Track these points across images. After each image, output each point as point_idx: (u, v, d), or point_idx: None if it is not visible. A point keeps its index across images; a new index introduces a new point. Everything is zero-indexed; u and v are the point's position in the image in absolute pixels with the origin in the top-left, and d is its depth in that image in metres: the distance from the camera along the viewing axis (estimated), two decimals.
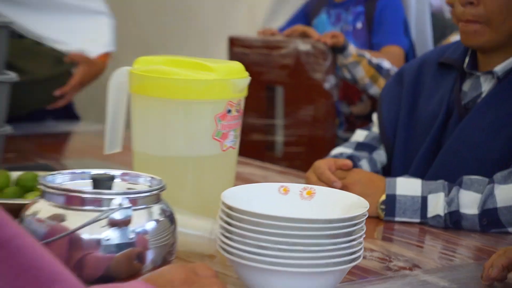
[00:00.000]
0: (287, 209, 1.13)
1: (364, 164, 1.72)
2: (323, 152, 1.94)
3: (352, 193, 1.17)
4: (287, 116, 2.45)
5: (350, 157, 1.68)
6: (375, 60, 2.43)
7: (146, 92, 1.27)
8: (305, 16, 2.80)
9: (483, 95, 1.62)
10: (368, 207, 1.09)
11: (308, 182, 1.55)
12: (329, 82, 2.36)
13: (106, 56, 2.36)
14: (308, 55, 2.38)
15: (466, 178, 1.49)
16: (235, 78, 1.27)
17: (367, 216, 1.08)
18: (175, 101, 1.26)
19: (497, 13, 1.53)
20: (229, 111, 1.27)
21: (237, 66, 1.30)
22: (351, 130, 2.60)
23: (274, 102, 2.49)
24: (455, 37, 2.36)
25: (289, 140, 2.47)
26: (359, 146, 1.77)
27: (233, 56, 2.59)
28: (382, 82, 2.42)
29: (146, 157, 1.30)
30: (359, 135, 1.81)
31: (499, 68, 1.60)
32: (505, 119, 1.55)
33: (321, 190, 1.16)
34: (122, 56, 2.82)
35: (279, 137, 2.51)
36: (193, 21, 3.66)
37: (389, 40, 2.57)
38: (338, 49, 2.37)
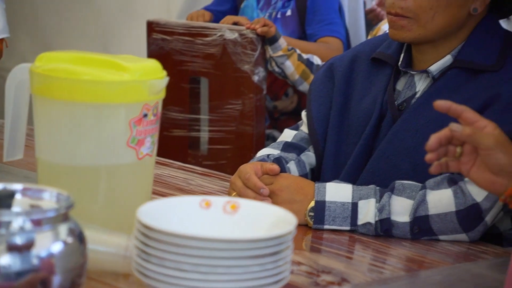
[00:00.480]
0: (209, 226, 1.07)
1: (292, 166, 1.65)
2: (252, 150, 1.87)
3: (279, 207, 1.11)
4: (212, 110, 2.34)
5: (277, 158, 1.63)
6: (305, 55, 2.34)
7: (50, 94, 1.16)
8: None
9: (418, 95, 1.58)
10: (295, 224, 1.03)
11: (233, 187, 1.47)
12: (258, 75, 2.26)
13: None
14: (236, 44, 2.27)
15: (399, 183, 1.45)
16: (152, 78, 1.17)
17: (295, 234, 1.02)
18: (84, 104, 1.14)
19: (426, 8, 1.50)
20: (145, 115, 1.17)
21: (154, 64, 1.19)
22: (275, 126, 2.52)
23: (198, 95, 2.38)
24: (386, 25, 2.31)
25: (214, 137, 2.35)
26: (287, 146, 1.71)
27: (151, 43, 2.46)
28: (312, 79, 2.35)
29: (52, 166, 1.18)
30: (287, 134, 1.75)
31: (434, 68, 1.56)
32: (439, 121, 1.50)
33: (245, 204, 1.09)
34: (17, 43, 2.66)
35: (204, 134, 2.39)
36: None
37: (325, 30, 2.49)
38: (268, 40, 2.27)
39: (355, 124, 1.65)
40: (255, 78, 2.26)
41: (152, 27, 2.46)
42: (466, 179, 1.40)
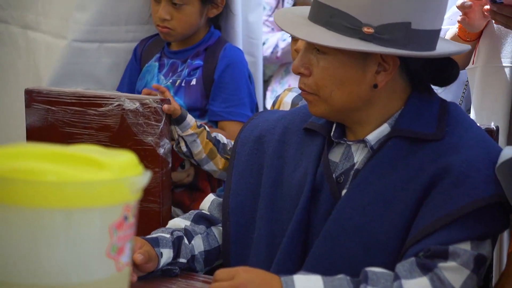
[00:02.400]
0: None
1: (198, 240, 1.63)
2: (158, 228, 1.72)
3: None
4: None
5: (185, 230, 1.62)
6: (212, 133, 2.21)
7: (6, 200, 0.96)
8: (136, 60, 2.52)
9: (357, 166, 1.53)
10: None
11: None
12: (164, 147, 2.10)
13: None
14: (137, 115, 2.11)
15: (371, 272, 1.39)
16: (132, 175, 1.00)
17: None
18: (52, 211, 0.96)
19: (323, 86, 1.49)
20: (126, 217, 1.00)
21: (130, 157, 1.04)
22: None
23: None
24: (288, 96, 2.25)
25: None
26: (198, 217, 1.68)
27: (31, 115, 2.23)
28: (218, 158, 2.21)
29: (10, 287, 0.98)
30: (207, 200, 1.73)
31: (371, 137, 1.52)
32: (386, 197, 1.45)
33: None
34: None
35: None
36: None
37: (229, 114, 2.37)
38: (175, 120, 2.12)
39: (288, 199, 1.59)
40: (161, 151, 2.10)
41: (31, 96, 2.24)
42: (440, 264, 1.36)
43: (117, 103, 2.13)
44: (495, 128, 1.66)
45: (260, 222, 1.59)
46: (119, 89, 2.50)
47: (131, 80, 2.50)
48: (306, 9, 1.55)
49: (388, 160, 1.48)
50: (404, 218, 1.42)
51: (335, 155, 1.56)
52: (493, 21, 1.93)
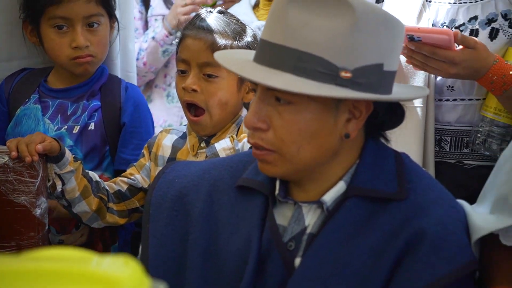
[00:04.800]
0: None
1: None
2: None
3: None
4: None
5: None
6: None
7: None
8: (2, 103, 2.16)
9: (310, 230, 1.38)
10: None
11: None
12: (40, 207, 1.81)
13: None
14: (6, 171, 1.81)
15: None
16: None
17: None
18: None
19: (289, 142, 1.33)
20: None
21: (135, 268, 0.81)
22: None
23: None
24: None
25: None
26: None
27: None
28: (92, 198, 1.90)
29: None
30: None
31: (328, 198, 1.38)
32: (353, 266, 1.32)
33: None
34: None
35: None
36: None
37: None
38: (53, 158, 1.81)
39: (227, 271, 1.40)
40: (37, 212, 1.81)
41: None
42: None
43: None
44: None
45: None
46: None
47: None
48: (246, 53, 1.39)
49: (348, 223, 1.34)
50: None
51: (281, 218, 1.41)
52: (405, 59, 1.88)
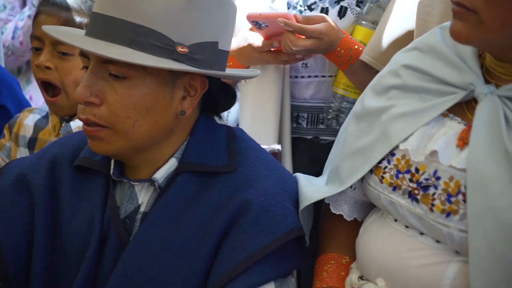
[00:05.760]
0: None
1: None
2: None
3: None
4: None
5: None
6: None
7: None
8: None
9: (143, 209, 1.41)
10: None
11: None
12: None
13: None
14: None
15: None
16: None
17: None
18: None
19: (124, 117, 1.34)
20: None
21: None
22: None
23: None
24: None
25: None
26: None
27: None
28: None
29: None
30: None
31: (159, 175, 1.41)
32: (182, 242, 1.36)
33: None
34: None
35: None
36: None
37: None
38: None
39: (70, 253, 1.42)
40: None
41: None
42: None
43: None
44: (278, 151, 1.64)
45: (35, 281, 1.40)
46: None
47: None
48: (79, 30, 1.40)
49: (178, 199, 1.37)
50: (204, 263, 1.34)
51: (117, 197, 1.43)
52: None
